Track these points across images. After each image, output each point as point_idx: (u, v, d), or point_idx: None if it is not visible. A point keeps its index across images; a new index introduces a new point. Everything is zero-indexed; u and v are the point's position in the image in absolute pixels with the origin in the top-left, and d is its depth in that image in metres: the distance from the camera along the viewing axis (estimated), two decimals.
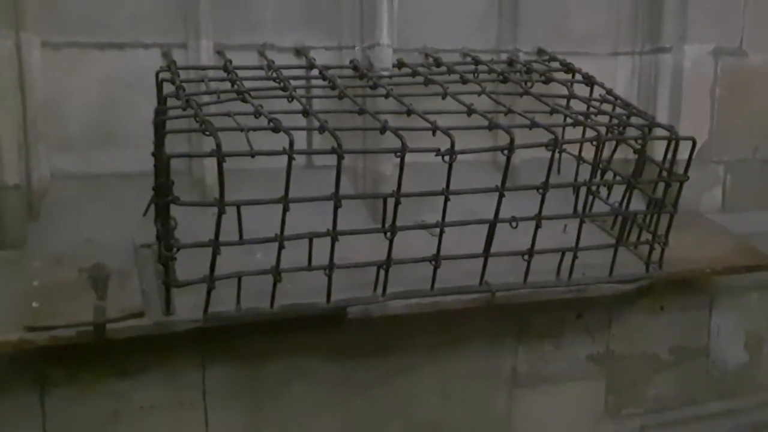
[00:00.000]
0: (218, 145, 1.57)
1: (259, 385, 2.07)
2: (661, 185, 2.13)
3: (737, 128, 2.67)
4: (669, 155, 2.08)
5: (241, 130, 1.65)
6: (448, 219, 1.87)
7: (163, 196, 1.66)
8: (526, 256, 1.99)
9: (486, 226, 1.93)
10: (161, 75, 1.94)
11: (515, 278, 2.04)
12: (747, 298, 2.72)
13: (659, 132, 2.14)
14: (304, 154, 2.22)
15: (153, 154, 1.83)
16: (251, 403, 2.07)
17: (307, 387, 2.12)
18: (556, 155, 2.34)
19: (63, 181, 2.05)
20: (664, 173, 2.11)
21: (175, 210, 1.70)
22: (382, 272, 1.87)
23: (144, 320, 1.71)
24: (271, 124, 1.68)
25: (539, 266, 2.04)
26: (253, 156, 1.61)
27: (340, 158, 1.66)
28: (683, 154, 2.09)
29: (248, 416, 2.07)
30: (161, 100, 1.89)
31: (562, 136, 2.26)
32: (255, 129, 1.66)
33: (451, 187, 1.82)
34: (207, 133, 1.62)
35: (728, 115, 2.64)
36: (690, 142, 2.05)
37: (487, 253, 1.95)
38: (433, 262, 1.90)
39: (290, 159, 1.62)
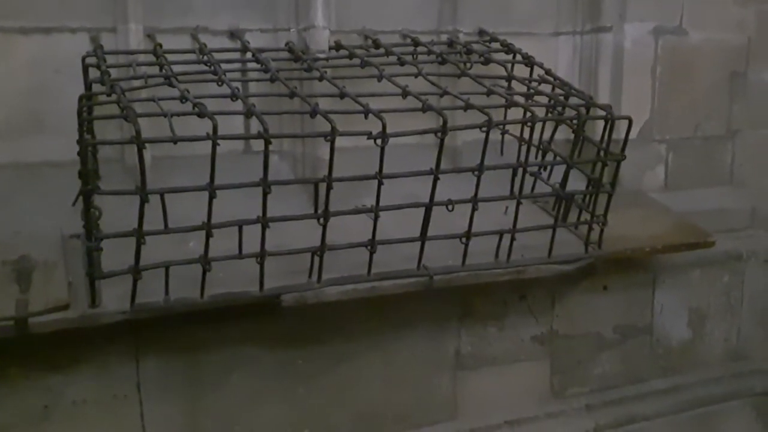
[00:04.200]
0: (137, 132, 1.52)
1: (197, 376, 2.03)
2: (601, 165, 2.13)
3: (679, 106, 2.69)
4: (606, 135, 2.08)
5: (164, 115, 1.61)
6: (389, 203, 1.85)
7: (84, 185, 1.61)
8: (463, 239, 1.98)
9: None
10: (87, 60, 1.88)
11: (455, 261, 2.03)
12: (689, 276, 2.75)
13: (598, 112, 2.14)
14: (231, 140, 2.15)
15: (77, 142, 1.78)
16: (189, 394, 2.03)
17: (247, 376, 2.09)
18: (499, 137, 2.38)
19: None
20: (601, 153, 2.11)
21: (108, 199, 1.65)
22: (317, 259, 1.85)
23: (69, 313, 1.67)
24: (196, 108, 1.63)
25: (480, 248, 2.03)
26: (175, 142, 1.57)
27: (267, 143, 1.63)
28: (624, 133, 2.09)
29: (186, 407, 2.04)
30: (87, 85, 1.84)
31: (505, 117, 2.27)
32: (178, 114, 1.62)
33: (393, 171, 1.79)
34: (128, 119, 1.58)
35: (669, 94, 2.65)
36: (626, 122, 2.05)
37: (423, 236, 1.93)
38: (369, 247, 1.88)
39: (214, 144, 1.58)
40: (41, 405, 1.88)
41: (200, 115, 1.63)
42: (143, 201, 1.58)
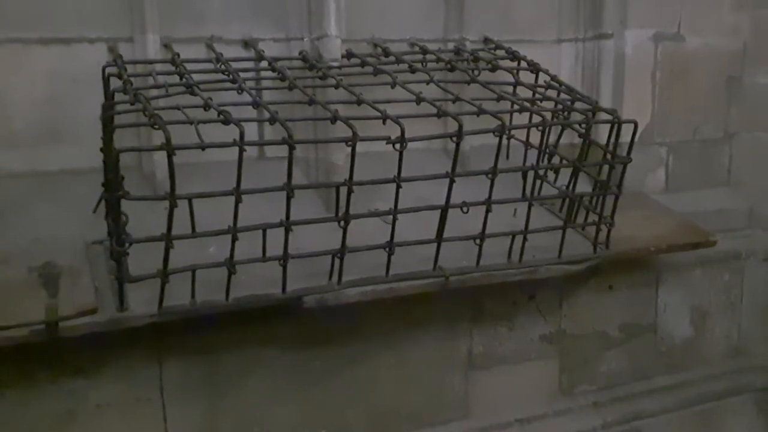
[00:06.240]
0: (168, 139, 1.56)
1: (217, 378, 2.07)
2: (606, 167, 2.19)
3: (678, 110, 2.75)
4: (612, 138, 2.14)
5: (191, 122, 1.64)
6: (401, 206, 1.89)
7: (113, 192, 1.65)
8: (477, 240, 2.03)
9: (438, 212, 1.96)
10: (108, 70, 1.92)
11: (468, 262, 2.08)
12: (691, 275, 2.82)
13: (603, 116, 2.20)
14: (255, 146, 2.22)
15: (102, 150, 1.81)
16: (209, 396, 2.07)
17: (265, 378, 2.13)
18: (505, 141, 2.44)
19: (9, 180, 2.01)
20: (608, 156, 2.16)
21: (125, 205, 1.69)
22: (337, 261, 1.89)
23: (98, 317, 1.70)
24: (221, 116, 1.67)
25: (492, 250, 2.08)
26: (203, 149, 1.60)
27: (292, 148, 1.67)
28: (627, 136, 2.15)
29: (206, 409, 2.07)
30: (108, 95, 1.87)
31: (510, 122, 2.32)
32: (205, 122, 1.66)
33: (403, 175, 1.84)
34: (156, 126, 1.61)
35: (669, 98, 2.71)
36: (632, 125, 2.11)
37: (439, 238, 1.98)
38: (387, 249, 1.93)
39: (241, 150, 1.62)
40: (66, 408, 1.91)
41: (225, 122, 1.67)
42: (173, 206, 1.61)
